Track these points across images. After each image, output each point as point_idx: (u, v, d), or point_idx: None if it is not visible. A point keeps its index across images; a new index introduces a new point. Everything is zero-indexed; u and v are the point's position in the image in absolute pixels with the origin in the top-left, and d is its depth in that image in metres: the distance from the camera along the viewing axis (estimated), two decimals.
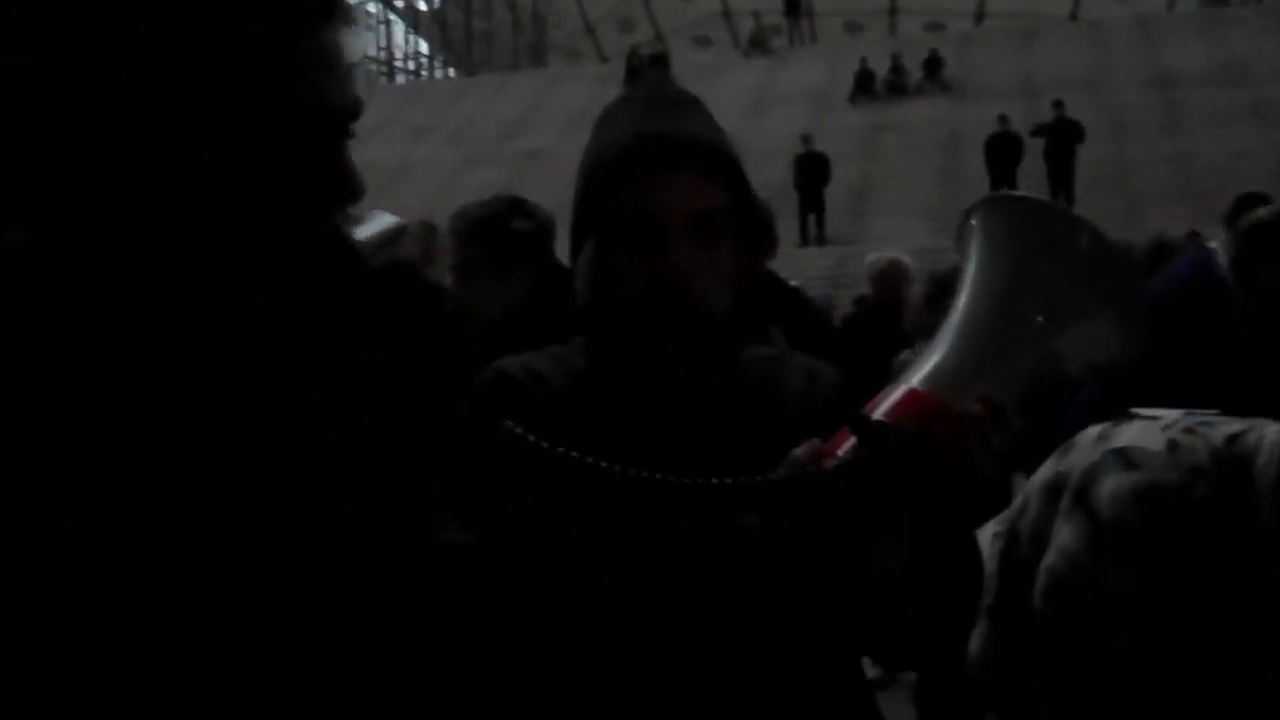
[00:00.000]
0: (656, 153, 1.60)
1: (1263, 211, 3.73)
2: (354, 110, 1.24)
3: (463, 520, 1.43)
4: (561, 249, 2.41)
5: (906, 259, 7.23)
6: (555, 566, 1.47)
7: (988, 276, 1.57)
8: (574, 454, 1.33)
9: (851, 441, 1.42)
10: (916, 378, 1.48)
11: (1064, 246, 1.55)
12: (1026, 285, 1.54)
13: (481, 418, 1.56)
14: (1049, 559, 2.35)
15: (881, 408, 1.45)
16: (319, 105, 1.19)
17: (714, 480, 1.35)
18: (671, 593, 1.49)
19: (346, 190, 1.24)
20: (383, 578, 1.25)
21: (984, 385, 1.46)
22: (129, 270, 1.11)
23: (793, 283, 5.59)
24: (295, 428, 1.16)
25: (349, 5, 1.24)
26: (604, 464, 1.33)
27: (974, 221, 1.63)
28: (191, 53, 1.11)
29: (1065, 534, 2.34)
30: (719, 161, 1.64)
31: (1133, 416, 2.44)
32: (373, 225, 1.25)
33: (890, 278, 7.12)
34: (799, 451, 1.43)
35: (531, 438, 1.34)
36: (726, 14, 46.64)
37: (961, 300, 1.57)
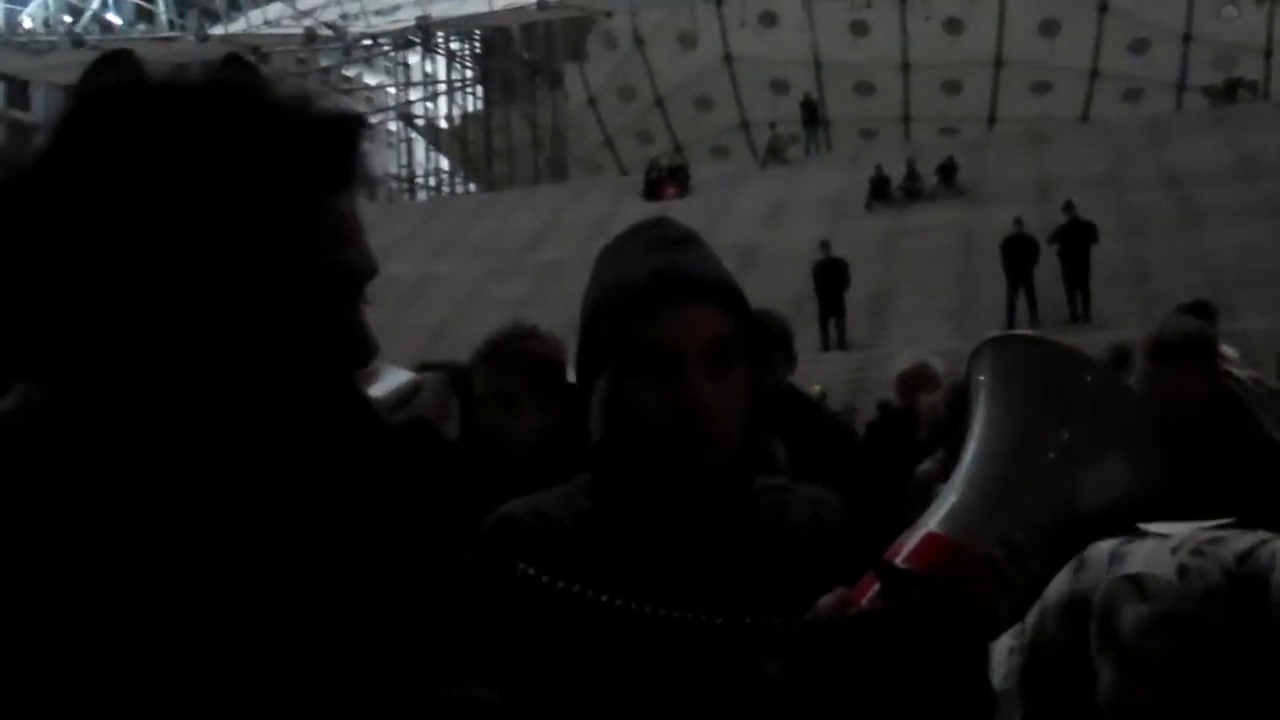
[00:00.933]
0: (672, 287, 1.63)
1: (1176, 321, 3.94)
2: (370, 273, 1.22)
3: (484, 674, 1.43)
4: None
5: (935, 361, 7.12)
6: (578, 711, 1.50)
7: (1000, 417, 1.60)
8: (595, 594, 1.36)
9: (876, 588, 1.44)
10: (934, 520, 1.50)
11: (1073, 386, 1.57)
12: (1038, 426, 1.57)
13: (491, 564, 1.54)
14: (1101, 697, 2.40)
15: (902, 553, 1.47)
16: (337, 271, 1.18)
17: (740, 621, 1.37)
18: None
19: (360, 351, 1.21)
20: None
21: (1002, 527, 1.48)
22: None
23: (816, 388, 5.68)
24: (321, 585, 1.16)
25: (367, 172, 1.21)
26: (627, 603, 1.36)
27: (983, 360, 1.66)
28: (209, 221, 1.10)
29: (1105, 672, 2.38)
30: (728, 293, 1.68)
31: (1143, 534, 2.47)
32: (388, 382, 1.25)
33: (916, 379, 7.03)
34: (826, 599, 1.46)
35: (546, 578, 1.36)
36: (744, 125, 47.07)
37: (974, 441, 1.59)
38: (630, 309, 1.63)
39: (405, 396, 1.27)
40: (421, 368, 3.81)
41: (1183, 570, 2.33)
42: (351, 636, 1.18)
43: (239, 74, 1.16)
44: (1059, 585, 2.55)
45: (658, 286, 1.63)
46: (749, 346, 1.68)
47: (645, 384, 1.62)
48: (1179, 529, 2.44)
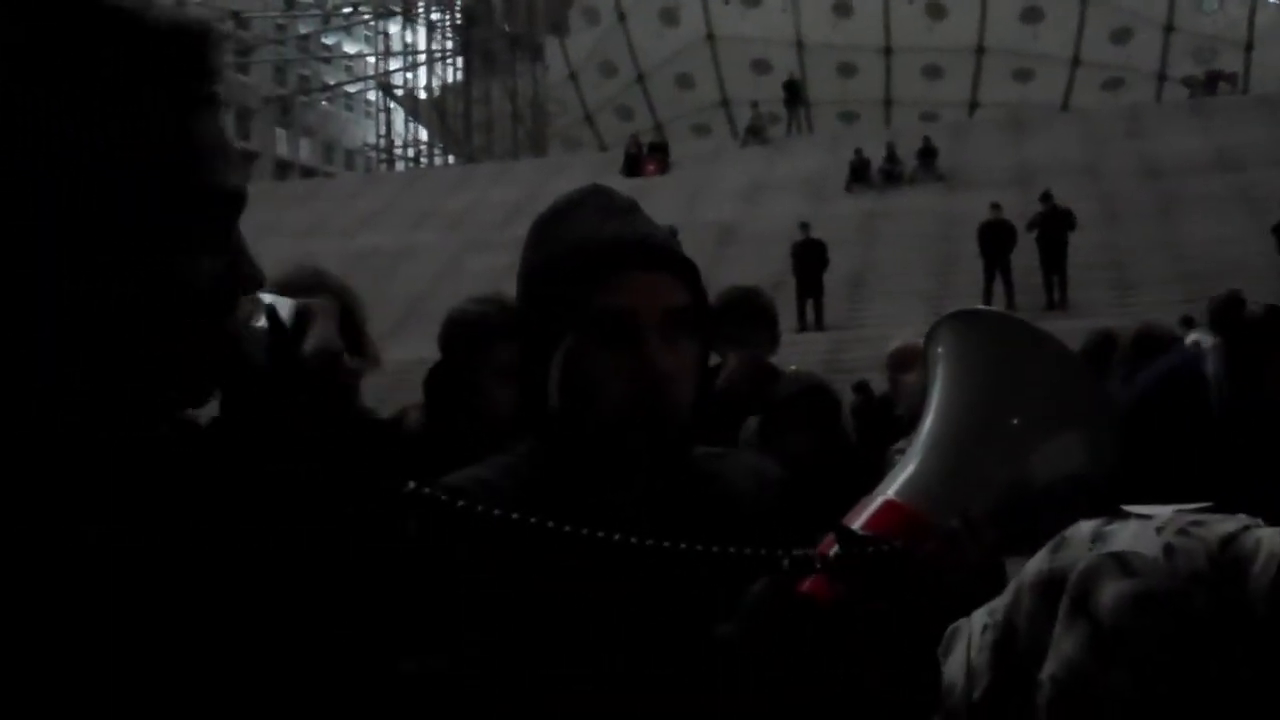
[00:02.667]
0: (632, 253, 1.63)
1: (1255, 308, 3.87)
2: (240, 196, 1.16)
3: (431, 642, 1.42)
4: None
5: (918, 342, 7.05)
6: (551, 664, 1.50)
7: (958, 389, 1.61)
8: (522, 517, 1.34)
9: (834, 551, 1.44)
10: (893, 488, 1.51)
11: (1031, 361, 1.58)
12: (996, 398, 1.58)
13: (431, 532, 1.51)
14: (1051, 668, 2.38)
15: (860, 518, 1.47)
16: (212, 190, 1.13)
17: (682, 547, 1.37)
18: (670, 687, 1.51)
19: (248, 280, 1.17)
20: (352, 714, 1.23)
21: (959, 496, 1.50)
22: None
23: (792, 368, 5.65)
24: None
25: (218, 86, 1.13)
26: (559, 525, 1.34)
27: (943, 334, 1.67)
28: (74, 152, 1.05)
29: (1067, 644, 2.37)
30: (683, 263, 1.68)
31: (1125, 515, 2.47)
32: (281, 310, 1.18)
33: (906, 357, 7.00)
34: (786, 562, 1.46)
35: (481, 508, 1.32)
36: (725, 103, 47.09)
37: (932, 412, 1.61)
38: (590, 272, 1.61)
39: (299, 322, 1.19)
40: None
41: (1169, 550, 2.33)
42: (307, 611, 1.17)
43: None
44: (1036, 564, 2.55)
45: (618, 250, 1.62)
46: (701, 318, 1.68)
47: (604, 350, 1.61)
48: (1161, 510, 2.45)
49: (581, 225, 1.67)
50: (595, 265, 1.61)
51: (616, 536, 1.35)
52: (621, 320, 1.60)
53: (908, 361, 6.93)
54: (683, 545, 1.38)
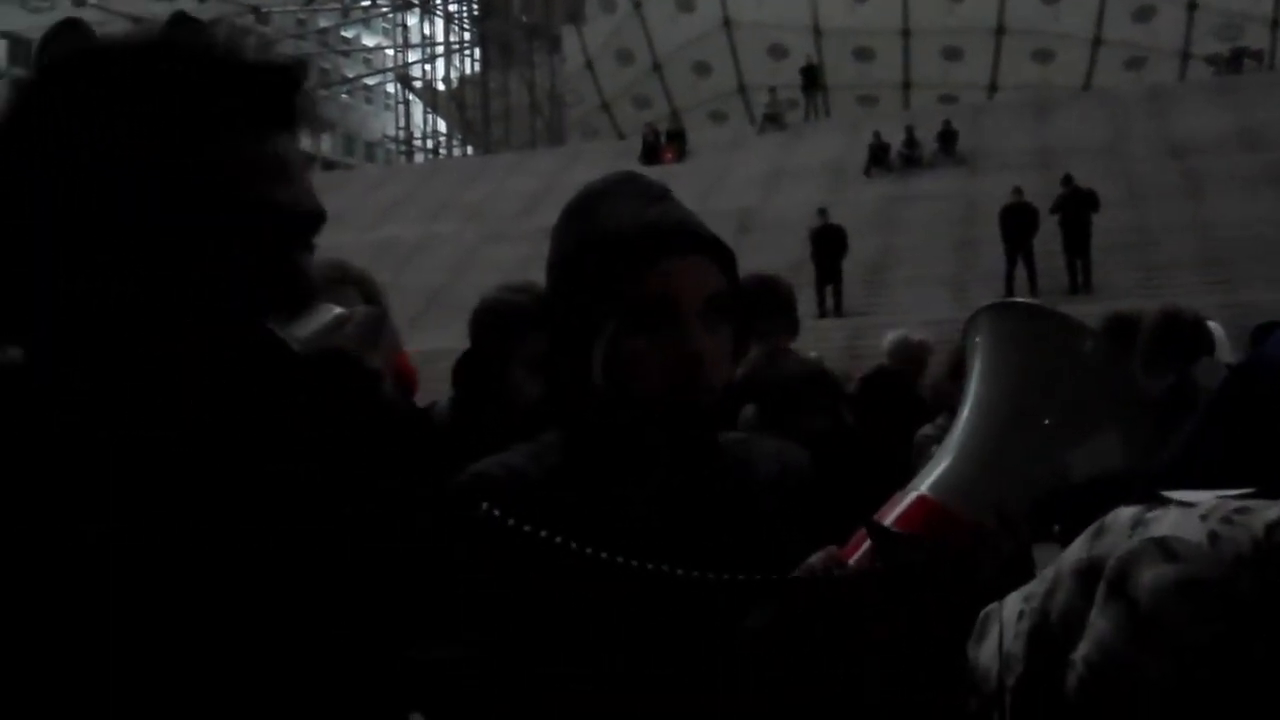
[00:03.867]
0: (672, 238, 1.63)
1: None
2: (312, 216, 1.26)
3: (451, 631, 1.47)
4: None
5: (919, 334, 7.23)
6: (554, 664, 1.50)
7: (995, 384, 1.59)
8: (563, 540, 1.37)
9: (866, 546, 1.46)
10: (926, 484, 1.50)
11: (1069, 355, 1.56)
12: (1032, 393, 1.56)
13: (460, 520, 1.56)
14: (1084, 650, 2.34)
15: (892, 515, 1.48)
16: (270, 209, 1.21)
17: (727, 577, 1.38)
18: (673, 687, 1.51)
19: (294, 296, 1.23)
20: (367, 700, 1.27)
21: (993, 493, 1.49)
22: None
23: (811, 354, 5.61)
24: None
25: (311, 113, 1.28)
26: (612, 557, 1.37)
27: (979, 327, 1.64)
28: (151, 159, 1.15)
29: (1101, 626, 2.32)
30: (720, 248, 1.68)
31: (1166, 501, 2.43)
32: (316, 319, 1.24)
33: (907, 350, 7.10)
34: (816, 558, 1.47)
35: (513, 521, 1.37)
36: (742, 90, 47.03)
37: (968, 406, 1.59)
38: (632, 259, 1.61)
39: (329, 329, 1.24)
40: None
41: (1214, 537, 2.24)
42: (318, 599, 1.21)
43: (184, 32, 1.22)
44: (1075, 551, 2.48)
45: (659, 236, 1.63)
46: (735, 304, 1.68)
47: (645, 336, 1.61)
48: (1202, 497, 2.37)
49: (617, 212, 1.67)
50: (636, 251, 1.62)
51: (650, 566, 1.38)
52: (665, 306, 1.61)
53: (910, 356, 6.98)
54: (696, 573, 1.39)
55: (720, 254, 1.68)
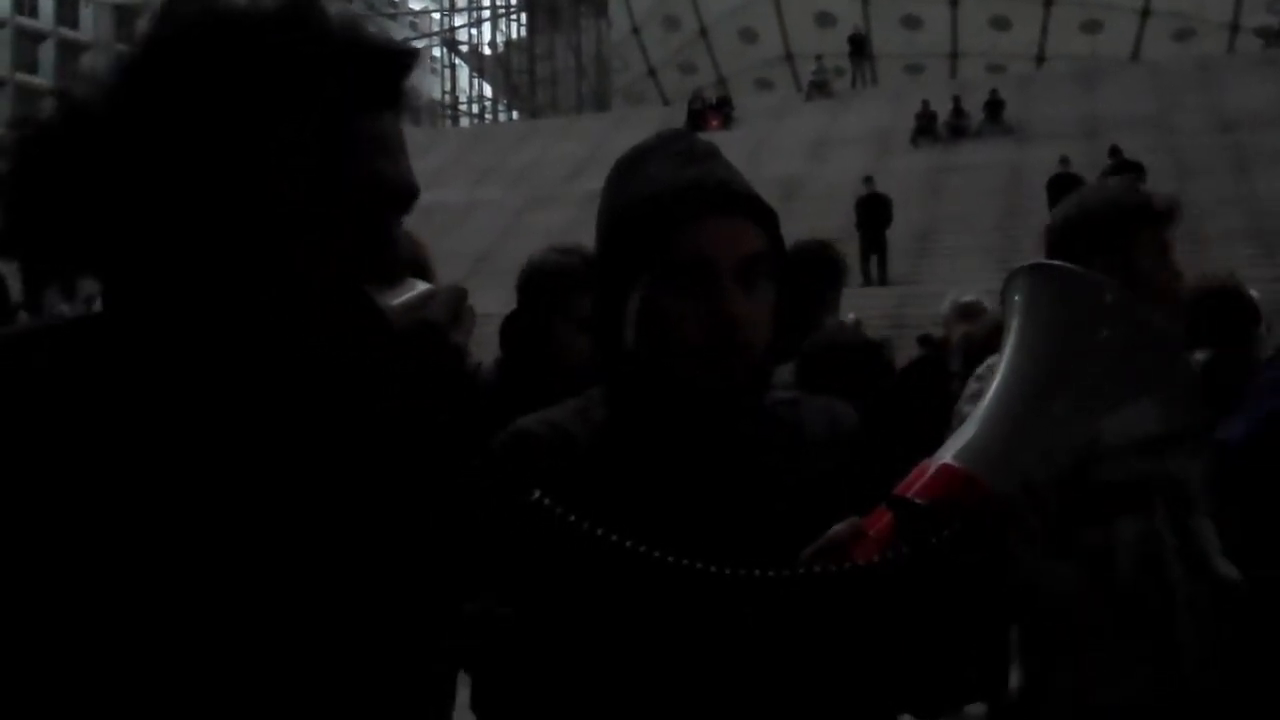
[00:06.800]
0: (710, 199, 1.62)
1: None
2: (407, 191, 1.32)
3: (494, 588, 1.52)
4: None
5: (984, 299, 7.06)
6: (581, 643, 1.52)
7: (1029, 351, 1.55)
8: (605, 532, 1.39)
9: (888, 519, 1.45)
10: (951, 452, 1.47)
11: (1106, 321, 1.52)
12: (1067, 362, 1.52)
13: (505, 480, 1.58)
14: None
15: (917, 484, 1.45)
16: (370, 183, 1.27)
17: (747, 572, 1.39)
18: (695, 678, 1.52)
19: (389, 266, 1.30)
20: (415, 643, 1.33)
21: (1021, 464, 1.45)
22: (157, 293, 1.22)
23: (850, 315, 5.63)
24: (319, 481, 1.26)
25: (412, 97, 1.34)
26: (636, 545, 1.39)
27: (1017, 289, 1.62)
28: (255, 132, 1.21)
29: None
30: (761, 208, 1.66)
31: None
32: (405, 292, 1.29)
33: (964, 314, 6.98)
34: (838, 529, 1.46)
35: (560, 509, 1.39)
36: (788, 57, 46.70)
37: (1001, 373, 1.55)
38: (668, 218, 1.61)
39: (417, 304, 1.30)
40: None
41: None
42: (366, 548, 1.27)
43: (302, 7, 1.26)
44: None
45: (696, 197, 1.62)
46: (778, 265, 1.68)
47: (680, 296, 1.60)
48: None
49: (659, 171, 1.66)
50: (671, 210, 1.61)
51: (685, 562, 1.39)
52: (699, 266, 1.60)
53: (966, 317, 6.88)
54: (728, 570, 1.40)
55: (761, 214, 1.66)
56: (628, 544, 1.39)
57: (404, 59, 1.31)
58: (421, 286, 1.32)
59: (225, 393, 1.21)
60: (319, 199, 1.22)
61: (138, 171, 1.19)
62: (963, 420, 1.56)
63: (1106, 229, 2.78)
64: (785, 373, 3.86)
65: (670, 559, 1.38)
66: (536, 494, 1.41)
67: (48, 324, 1.27)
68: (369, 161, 1.26)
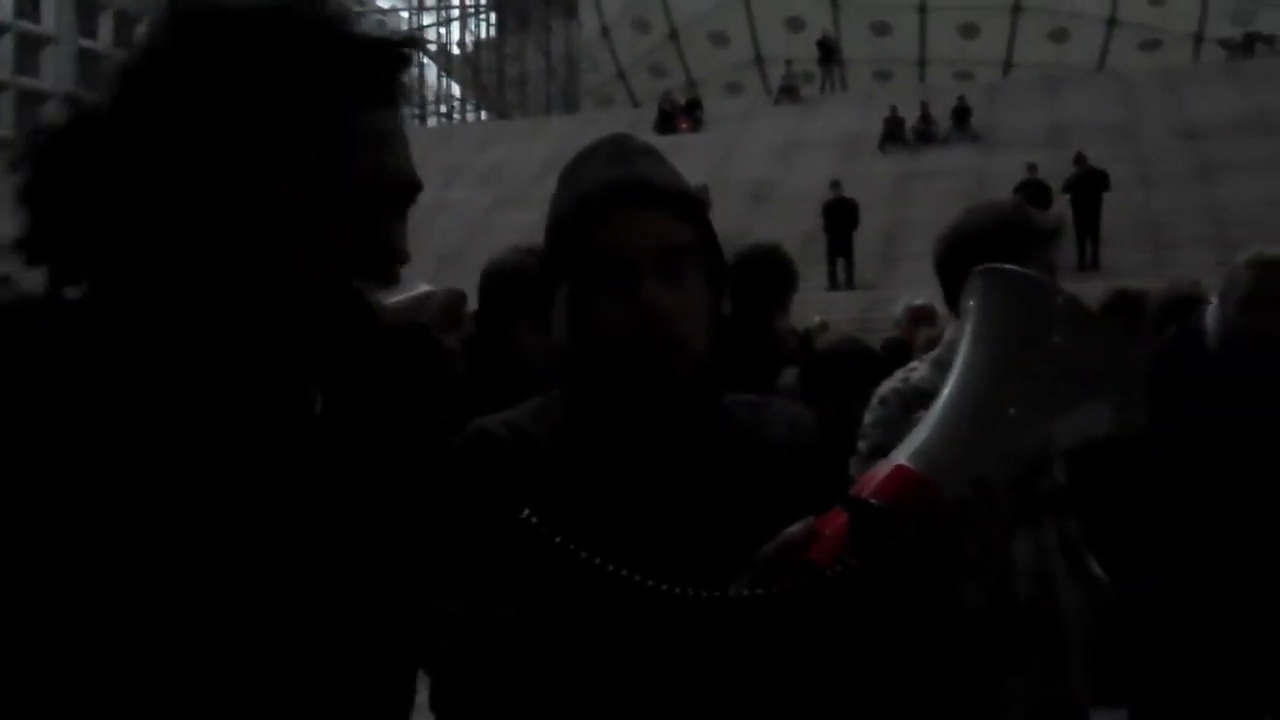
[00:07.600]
0: (624, 194, 1.62)
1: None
2: (406, 185, 1.32)
3: (453, 585, 1.50)
4: None
5: (937, 303, 7.13)
6: (548, 651, 1.50)
7: (981, 352, 1.55)
8: (582, 551, 1.39)
9: (843, 520, 1.43)
10: (905, 454, 1.46)
11: (1058, 324, 1.51)
12: (1020, 363, 1.51)
13: (471, 482, 1.59)
14: None
15: (871, 485, 1.43)
16: (370, 181, 1.27)
17: (713, 593, 1.39)
18: (659, 696, 1.52)
19: (387, 262, 1.30)
20: (389, 640, 1.33)
21: (974, 465, 1.44)
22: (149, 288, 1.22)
23: (817, 318, 5.67)
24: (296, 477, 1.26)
25: (405, 89, 1.33)
26: (605, 563, 1.39)
27: (972, 292, 1.62)
28: (253, 129, 1.21)
29: None
30: (685, 203, 1.66)
31: None
32: (403, 292, 1.29)
33: (918, 317, 7.07)
34: (793, 530, 1.45)
35: (546, 528, 1.39)
36: (758, 60, 46.83)
37: (955, 374, 1.55)
38: (585, 216, 1.62)
39: (414, 305, 1.24)
40: None
41: None
42: (341, 541, 1.27)
43: (298, 4, 1.26)
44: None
45: (611, 193, 1.63)
46: (708, 260, 1.68)
47: (602, 292, 1.61)
48: None
49: (590, 172, 1.68)
50: (590, 207, 1.63)
51: (652, 583, 1.39)
52: (618, 261, 1.60)
53: (919, 321, 6.96)
54: (678, 588, 1.39)
55: (686, 208, 1.66)
56: (583, 554, 1.39)
57: (400, 53, 1.31)
58: (423, 287, 1.30)
59: (223, 392, 1.22)
60: (318, 198, 1.23)
61: (139, 173, 1.20)
62: (915, 423, 1.55)
63: (994, 245, 2.90)
64: (789, 377, 3.92)
65: (626, 574, 1.39)
66: (526, 514, 1.41)
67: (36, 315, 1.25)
68: (368, 159, 1.26)
